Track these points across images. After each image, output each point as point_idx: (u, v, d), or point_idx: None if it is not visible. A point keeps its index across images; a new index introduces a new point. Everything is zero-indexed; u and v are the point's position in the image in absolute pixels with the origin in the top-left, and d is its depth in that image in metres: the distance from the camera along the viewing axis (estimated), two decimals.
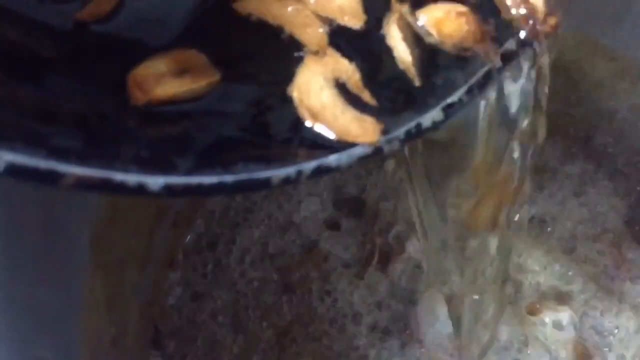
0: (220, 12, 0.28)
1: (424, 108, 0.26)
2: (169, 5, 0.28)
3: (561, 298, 0.53)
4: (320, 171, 0.24)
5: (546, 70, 0.29)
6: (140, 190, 0.22)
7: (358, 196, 0.57)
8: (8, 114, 0.22)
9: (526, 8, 0.28)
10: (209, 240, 0.55)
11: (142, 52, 0.26)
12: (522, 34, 0.28)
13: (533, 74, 0.29)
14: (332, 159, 0.25)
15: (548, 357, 0.51)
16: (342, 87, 0.27)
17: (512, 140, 0.32)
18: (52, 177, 0.21)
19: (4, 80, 0.23)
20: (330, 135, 0.25)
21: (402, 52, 0.27)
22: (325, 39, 0.28)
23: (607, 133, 0.55)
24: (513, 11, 0.28)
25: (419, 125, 0.26)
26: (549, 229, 0.55)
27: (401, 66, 0.27)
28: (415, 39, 0.28)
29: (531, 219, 0.55)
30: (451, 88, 0.27)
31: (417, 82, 0.27)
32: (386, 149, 0.25)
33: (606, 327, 0.52)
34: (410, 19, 0.28)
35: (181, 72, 0.26)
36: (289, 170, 0.24)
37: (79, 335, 0.39)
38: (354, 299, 0.53)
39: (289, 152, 0.25)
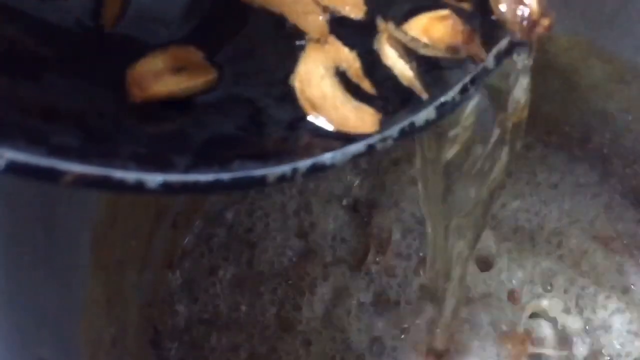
0: (219, 9, 0.28)
1: (418, 107, 0.27)
2: (167, 2, 0.28)
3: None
4: (315, 169, 0.25)
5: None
6: (139, 187, 0.22)
7: (357, 193, 0.57)
8: (9, 112, 0.22)
9: (520, 9, 0.28)
10: (208, 241, 0.56)
11: (140, 49, 0.26)
12: (516, 35, 0.28)
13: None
14: (327, 157, 0.25)
15: None
16: (342, 77, 0.27)
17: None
18: (52, 175, 0.21)
19: (4, 78, 0.23)
20: (329, 127, 0.26)
21: (402, 69, 0.28)
22: (326, 27, 0.28)
23: (602, 134, 0.55)
24: (507, 12, 0.28)
25: (412, 124, 0.26)
26: (542, 229, 0.55)
27: (405, 83, 0.27)
28: (409, 52, 0.28)
29: (524, 220, 0.56)
30: (445, 87, 0.27)
31: (424, 95, 0.27)
32: (380, 147, 0.26)
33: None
34: (399, 35, 0.28)
35: (179, 69, 0.26)
36: (285, 168, 0.24)
37: (79, 335, 0.39)
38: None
39: (284, 150, 0.25)
